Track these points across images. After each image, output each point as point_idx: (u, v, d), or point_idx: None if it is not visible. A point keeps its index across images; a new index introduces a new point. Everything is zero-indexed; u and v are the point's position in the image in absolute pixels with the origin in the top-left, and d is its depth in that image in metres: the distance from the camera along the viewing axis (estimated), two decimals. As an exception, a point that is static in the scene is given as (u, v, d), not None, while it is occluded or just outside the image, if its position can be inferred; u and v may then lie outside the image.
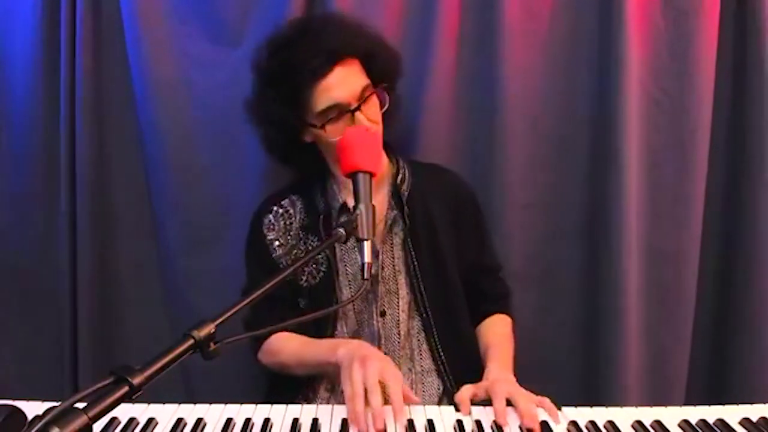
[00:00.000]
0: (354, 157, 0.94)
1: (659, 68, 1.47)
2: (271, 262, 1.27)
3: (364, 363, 0.98)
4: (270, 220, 1.29)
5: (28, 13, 1.49)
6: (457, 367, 1.25)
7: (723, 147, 1.53)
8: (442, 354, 1.26)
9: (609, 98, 1.45)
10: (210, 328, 0.68)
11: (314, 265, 1.26)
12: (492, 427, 0.95)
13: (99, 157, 1.54)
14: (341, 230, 0.88)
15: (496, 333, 1.30)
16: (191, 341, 0.67)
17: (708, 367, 1.59)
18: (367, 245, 0.88)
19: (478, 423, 0.97)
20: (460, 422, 0.97)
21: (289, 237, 1.27)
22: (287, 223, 1.28)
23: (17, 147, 1.55)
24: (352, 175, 0.94)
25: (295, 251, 1.27)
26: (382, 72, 1.22)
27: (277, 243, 1.28)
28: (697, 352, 1.56)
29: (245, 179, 1.52)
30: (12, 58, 1.53)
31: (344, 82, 1.16)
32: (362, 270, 0.88)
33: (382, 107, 1.22)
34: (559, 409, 1.00)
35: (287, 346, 1.22)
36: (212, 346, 0.69)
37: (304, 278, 1.26)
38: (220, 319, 0.71)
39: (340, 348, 1.06)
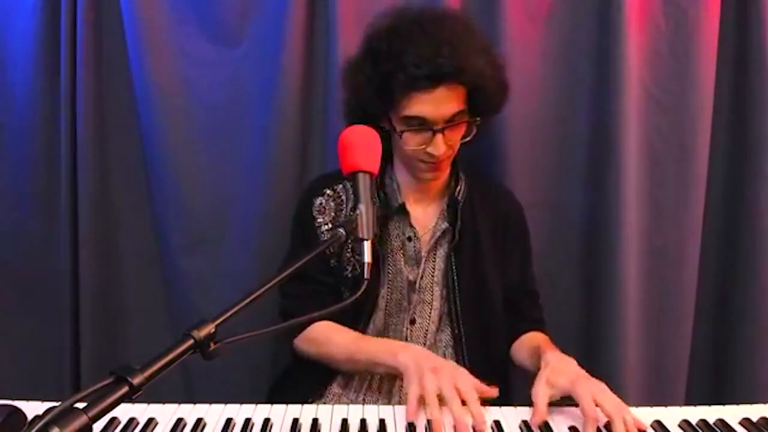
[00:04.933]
0: (354, 157, 0.94)
1: (659, 68, 1.48)
2: (317, 244, 1.26)
3: (437, 371, 0.96)
4: (321, 203, 1.26)
5: (28, 13, 1.49)
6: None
7: (723, 146, 1.53)
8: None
9: (609, 98, 1.45)
10: (210, 328, 0.68)
11: (356, 257, 1.23)
12: (492, 427, 0.95)
13: (99, 157, 1.54)
14: (341, 230, 0.88)
15: (542, 338, 1.27)
16: (191, 341, 0.67)
17: (708, 366, 1.59)
18: (367, 245, 0.88)
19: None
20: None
21: (337, 223, 1.25)
22: (338, 209, 1.26)
23: (17, 147, 1.55)
24: (352, 175, 0.94)
25: None
26: (483, 106, 1.18)
27: (325, 227, 1.26)
28: (697, 352, 1.56)
29: (245, 179, 1.52)
30: (12, 58, 1.53)
31: (440, 102, 1.11)
32: (363, 269, 0.88)
33: (466, 136, 1.19)
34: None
35: (336, 338, 1.19)
36: (212, 346, 0.68)
37: (349, 268, 1.25)
38: (221, 319, 0.70)
39: (401, 353, 1.04)
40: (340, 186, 1.28)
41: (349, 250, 1.25)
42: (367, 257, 0.87)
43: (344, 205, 1.26)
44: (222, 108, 1.51)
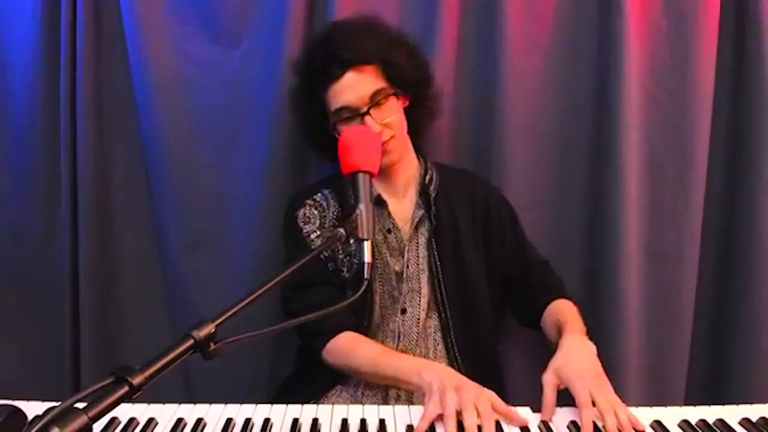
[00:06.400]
0: (353, 157, 0.94)
1: (659, 68, 1.47)
2: (309, 252, 1.27)
3: (459, 390, 0.96)
4: (304, 213, 1.30)
5: (28, 13, 1.49)
6: (473, 370, 1.20)
7: (723, 147, 1.53)
8: (458, 355, 1.26)
9: (609, 98, 1.45)
10: (210, 328, 0.68)
11: (348, 257, 1.26)
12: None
13: (99, 157, 1.53)
14: (341, 230, 0.88)
15: (563, 310, 1.27)
16: (191, 341, 0.67)
17: (708, 367, 1.59)
18: (367, 245, 0.88)
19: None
20: (460, 423, 0.97)
21: (324, 229, 1.28)
22: (322, 215, 1.30)
23: (17, 147, 1.55)
24: (352, 175, 0.94)
25: None
26: (399, 78, 1.25)
27: (314, 235, 1.28)
28: (697, 352, 1.56)
29: (245, 179, 1.52)
30: (12, 59, 1.53)
31: (354, 86, 1.20)
32: (363, 270, 0.88)
33: (395, 112, 1.24)
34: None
35: (361, 351, 1.19)
36: (212, 346, 0.69)
37: (345, 269, 1.26)
38: (221, 319, 0.70)
39: (424, 371, 1.04)
40: (319, 195, 1.32)
41: (340, 251, 1.26)
42: (368, 257, 0.88)
43: (326, 211, 1.30)
44: (222, 108, 1.51)
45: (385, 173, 1.29)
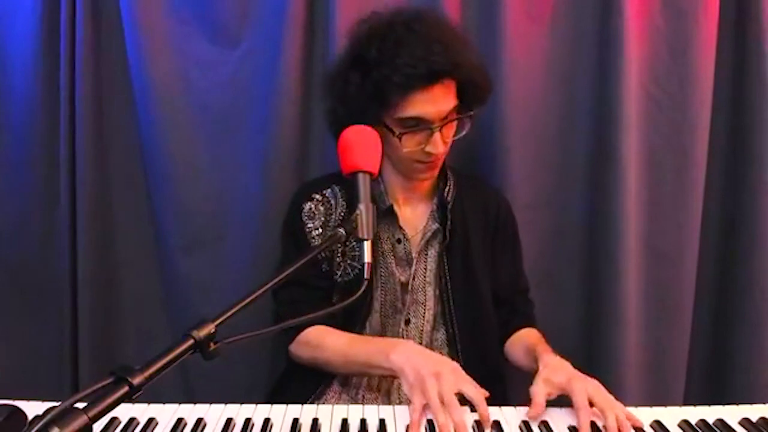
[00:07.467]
0: (354, 157, 0.94)
1: (659, 68, 1.48)
2: (310, 249, 1.25)
3: (439, 377, 0.97)
4: (310, 208, 1.26)
5: (28, 13, 1.49)
6: (478, 379, 1.18)
7: (722, 147, 1.53)
8: (463, 367, 1.26)
9: (609, 98, 1.45)
10: (210, 328, 0.68)
11: (349, 261, 1.24)
12: (491, 428, 0.96)
13: (98, 156, 1.53)
14: (341, 230, 0.88)
15: (536, 336, 1.28)
16: (191, 341, 0.67)
17: (707, 366, 1.59)
18: (367, 245, 0.88)
19: (478, 423, 0.97)
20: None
21: (328, 228, 1.25)
22: (327, 213, 1.26)
23: (17, 147, 1.55)
24: (352, 175, 0.94)
25: None
26: (474, 99, 1.19)
27: (316, 232, 1.25)
28: (696, 352, 1.57)
29: (244, 179, 1.52)
30: (12, 58, 1.53)
31: (438, 100, 1.12)
32: (353, 274, 0.88)
33: (459, 132, 1.20)
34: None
35: (330, 342, 1.18)
36: (212, 346, 0.69)
37: (339, 273, 1.24)
38: (220, 319, 0.70)
39: (392, 353, 1.04)
40: (328, 190, 1.28)
41: (339, 254, 1.24)
42: (368, 257, 0.88)
43: (333, 209, 1.26)
44: (222, 108, 1.51)
45: (414, 183, 1.26)
